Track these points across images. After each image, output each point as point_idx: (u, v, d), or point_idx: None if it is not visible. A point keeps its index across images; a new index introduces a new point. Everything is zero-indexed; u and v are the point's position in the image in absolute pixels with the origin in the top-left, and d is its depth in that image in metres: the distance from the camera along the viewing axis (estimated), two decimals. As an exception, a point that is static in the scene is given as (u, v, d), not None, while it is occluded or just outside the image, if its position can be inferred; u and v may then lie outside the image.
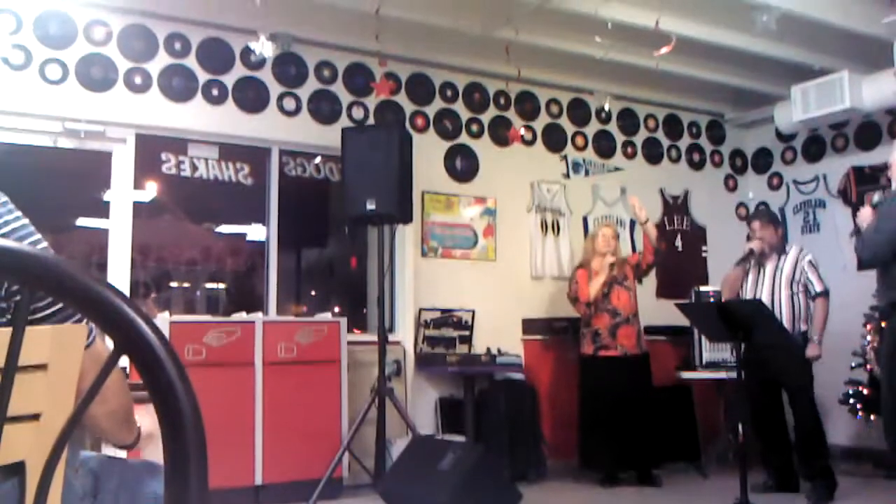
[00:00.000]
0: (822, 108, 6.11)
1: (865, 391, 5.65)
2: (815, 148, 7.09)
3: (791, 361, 5.05)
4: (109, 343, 0.84)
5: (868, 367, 5.60)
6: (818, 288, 5.20)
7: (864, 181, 6.63)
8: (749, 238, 5.54)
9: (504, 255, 6.38)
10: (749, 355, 5.06)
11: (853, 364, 5.66)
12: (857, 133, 6.74)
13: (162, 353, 0.79)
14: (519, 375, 5.98)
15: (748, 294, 5.34)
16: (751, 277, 5.39)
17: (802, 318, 5.22)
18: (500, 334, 6.07)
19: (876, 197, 4.44)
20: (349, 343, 5.32)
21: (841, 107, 6.00)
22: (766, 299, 5.14)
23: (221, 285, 6.43)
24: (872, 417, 5.64)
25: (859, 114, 6.23)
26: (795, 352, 5.05)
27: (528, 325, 6.29)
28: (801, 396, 5.11)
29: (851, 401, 5.72)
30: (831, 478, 4.93)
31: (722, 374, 6.02)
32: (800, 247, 5.46)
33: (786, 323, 5.07)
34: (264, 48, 4.94)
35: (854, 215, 6.57)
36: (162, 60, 5.33)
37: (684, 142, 7.40)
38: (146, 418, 1.59)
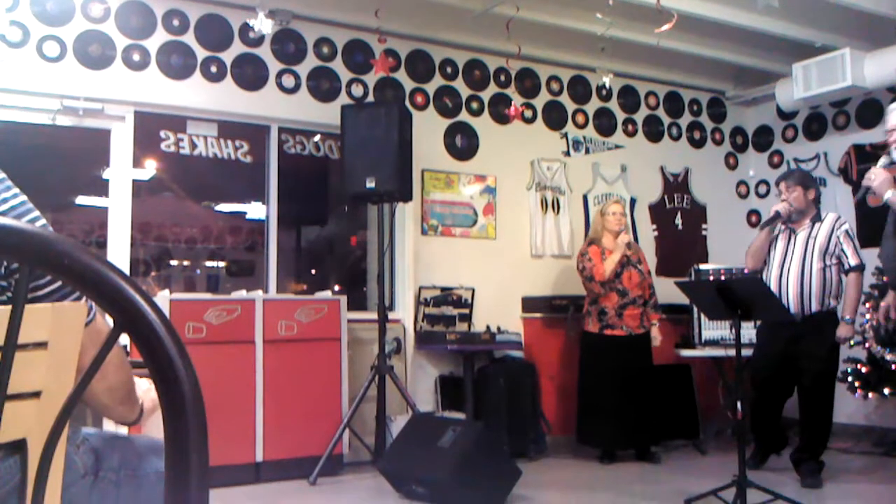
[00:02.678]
0: (823, 85, 6.09)
1: (864, 369, 5.67)
2: (816, 126, 7.08)
3: (819, 343, 4.74)
4: (109, 319, 0.84)
5: (867, 344, 5.60)
6: (853, 261, 4.75)
7: (865, 159, 6.61)
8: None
9: (504, 233, 6.38)
10: (771, 331, 4.96)
11: (852, 342, 5.66)
12: (858, 111, 6.72)
13: (162, 331, 0.79)
14: (518, 353, 6.00)
15: (775, 266, 4.92)
16: (780, 245, 4.95)
17: (833, 293, 4.81)
18: (499, 312, 6.09)
19: (883, 159, 4.25)
20: (349, 321, 5.32)
21: (842, 84, 5.97)
22: (795, 271, 4.84)
23: (221, 263, 6.43)
24: (871, 395, 5.66)
25: (861, 91, 6.21)
26: (826, 333, 4.75)
27: (528, 304, 6.31)
28: (821, 383, 4.82)
29: (850, 379, 5.74)
30: (821, 460, 4.92)
31: (721, 352, 6.04)
32: (836, 214, 4.96)
33: (814, 299, 4.78)
34: (263, 25, 4.91)
35: (854, 192, 6.57)
36: (160, 37, 5.30)
37: (685, 119, 7.38)
38: (150, 392, 1.59)
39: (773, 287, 4.80)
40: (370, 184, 5.05)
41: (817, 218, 4.93)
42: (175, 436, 0.79)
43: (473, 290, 6.00)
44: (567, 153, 6.74)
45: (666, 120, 7.27)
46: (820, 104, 6.77)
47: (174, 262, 6.30)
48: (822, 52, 6.09)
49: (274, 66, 5.65)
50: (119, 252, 5.13)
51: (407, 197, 5.32)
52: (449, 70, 6.28)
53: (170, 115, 5.43)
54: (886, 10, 5.51)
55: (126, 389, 1.51)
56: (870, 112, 6.62)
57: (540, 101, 6.66)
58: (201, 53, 5.41)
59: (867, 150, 6.62)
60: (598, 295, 5.70)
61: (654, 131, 7.19)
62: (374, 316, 5.28)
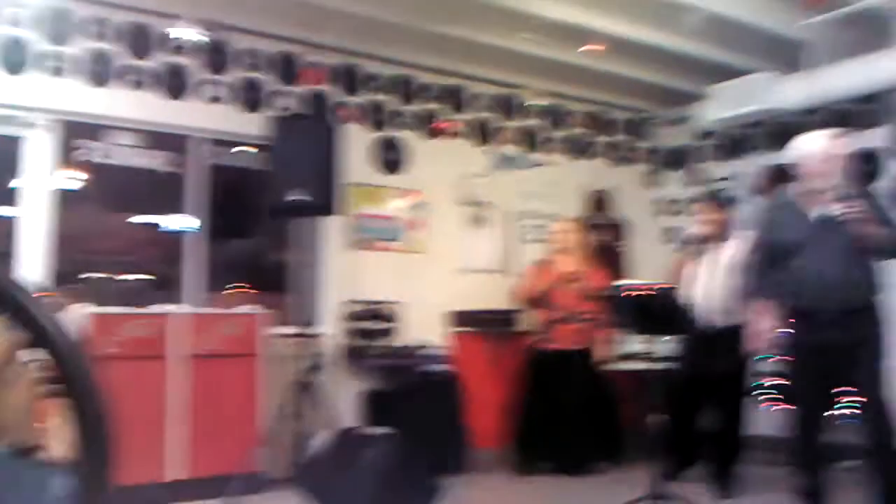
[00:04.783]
0: (740, 107, 6.28)
1: (775, 382, 5.83)
2: (732, 146, 7.30)
3: (731, 357, 4.85)
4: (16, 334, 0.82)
5: (777, 358, 5.76)
6: None
7: (779, 179, 6.83)
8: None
9: (431, 247, 6.40)
10: (686, 345, 5.09)
11: (764, 356, 5.81)
12: (772, 132, 6.95)
13: (70, 347, 0.77)
14: (444, 368, 6.01)
15: (689, 282, 5.09)
16: (695, 265, 5.14)
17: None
18: (426, 327, 6.09)
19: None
20: (271, 336, 5.26)
21: (758, 107, 6.17)
22: (707, 289, 5.00)
23: (141, 276, 6.27)
24: (781, 407, 5.83)
25: (775, 114, 6.42)
26: (737, 346, 4.78)
27: (455, 318, 6.33)
28: (733, 396, 5.00)
29: (763, 391, 5.91)
30: (736, 471, 5.05)
31: (641, 366, 6.14)
32: (746, 232, 5.07)
33: (726, 315, 4.90)
34: (188, 34, 4.84)
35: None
36: (81, 43, 5.16)
37: (608, 138, 7.53)
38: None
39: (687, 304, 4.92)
40: (296, 196, 5.00)
41: (729, 236, 5.11)
42: (82, 451, 0.78)
43: (400, 305, 6.00)
44: (494, 169, 6.81)
45: (590, 138, 7.41)
46: (737, 125, 6.99)
47: (92, 275, 6.12)
48: (739, 75, 6.29)
49: (199, 75, 5.56)
50: (33, 264, 4.97)
51: (334, 210, 5.28)
52: (378, 84, 6.29)
53: (89, 124, 5.29)
54: (799, 36, 5.73)
55: (29, 406, 1.47)
56: (783, 134, 6.85)
57: (468, 117, 6.71)
58: (123, 61, 5.29)
59: (780, 171, 6.85)
60: (532, 310, 5.86)
61: (578, 149, 7.32)
62: (297, 330, 5.22)
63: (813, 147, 4.14)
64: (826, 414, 4.43)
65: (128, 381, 4.50)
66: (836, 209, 3.94)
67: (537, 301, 5.84)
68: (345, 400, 5.79)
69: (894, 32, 5.44)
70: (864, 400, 4.07)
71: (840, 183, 4.03)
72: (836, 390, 4.63)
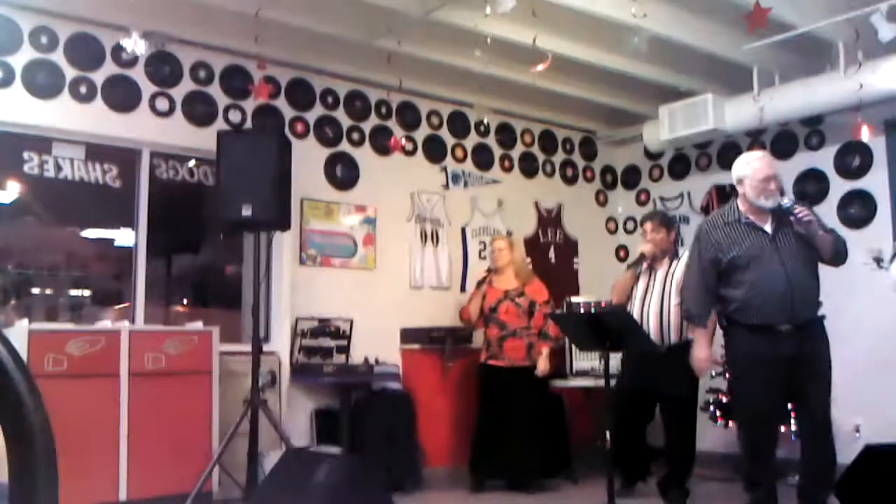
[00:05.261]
0: (687, 128, 6.40)
1: (724, 399, 5.93)
2: (680, 166, 7.43)
3: (680, 373, 4.84)
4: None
5: (727, 375, 5.85)
6: None
7: (725, 198, 6.98)
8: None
9: (383, 264, 6.38)
10: (633, 361, 5.16)
11: (713, 373, 5.91)
12: (719, 153, 7.10)
13: (9, 365, 0.75)
14: (396, 385, 5.99)
15: (637, 301, 5.17)
16: (641, 283, 5.22)
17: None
18: (378, 344, 6.06)
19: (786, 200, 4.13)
20: (222, 353, 5.18)
21: (705, 127, 6.30)
22: (655, 307, 5.07)
23: (86, 292, 6.14)
24: (731, 424, 5.92)
25: (722, 134, 6.55)
26: (685, 363, 4.75)
27: (407, 335, 6.31)
28: (683, 411, 5.05)
29: (711, 408, 6.00)
30: (686, 486, 5.11)
31: (591, 382, 6.20)
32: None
33: (673, 331, 4.99)
34: (137, 46, 4.77)
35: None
36: (26, 54, 5.06)
37: (558, 157, 7.61)
38: None
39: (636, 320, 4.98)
40: (246, 212, 4.94)
41: (675, 256, 5.22)
42: (21, 475, 0.75)
43: (352, 322, 5.96)
44: (446, 186, 6.83)
45: (540, 157, 7.48)
46: (684, 145, 7.12)
47: (36, 290, 5.98)
48: (687, 97, 6.42)
49: (148, 88, 5.48)
50: (-27, 279, 4.83)
51: (285, 226, 5.24)
52: (330, 100, 6.27)
53: (34, 136, 5.18)
54: (744, 59, 5.87)
55: None
56: (730, 154, 6.99)
57: (420, 135, 6.73)
58: (70, 73, 5.20)
59: (727, 190, 6.99)
60: (479, 327, 5.98)
61: (529, 167, 7.38)
62: (249, 348, 5.15)
63: (750, 166, 4.24)
64: (779, 428, 4.50)
65: (74, 400, 4.39)
66: (796, 212, 4.03)
67: (482, 319, 5.91)
68: (297, 418, 5.73)
69: (835, 56, 5.59)
70: (814, 413, 4.13)
71: (780, 198, 4.13)
72: (790, 406, 4.72)
